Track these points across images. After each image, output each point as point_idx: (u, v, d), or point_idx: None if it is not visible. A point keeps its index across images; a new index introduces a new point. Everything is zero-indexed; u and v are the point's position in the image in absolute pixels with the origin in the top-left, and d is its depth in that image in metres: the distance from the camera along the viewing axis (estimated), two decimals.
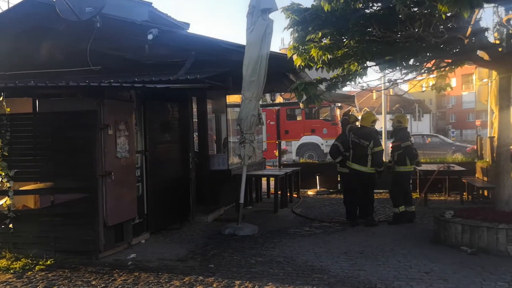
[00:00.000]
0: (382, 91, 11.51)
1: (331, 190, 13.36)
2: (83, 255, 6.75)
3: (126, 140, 7.26)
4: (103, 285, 5.72)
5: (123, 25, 8.66)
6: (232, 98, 12.54)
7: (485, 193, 11.14)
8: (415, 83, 9.21)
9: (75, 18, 8.39)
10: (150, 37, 8.42)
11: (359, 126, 9.39)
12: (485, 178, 11.19)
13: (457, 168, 11.90)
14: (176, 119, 9.08)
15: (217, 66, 8.56)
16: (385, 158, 11.45)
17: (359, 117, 9.69)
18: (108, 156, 6.87)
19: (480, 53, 8.06)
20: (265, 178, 12.44)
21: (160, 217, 8.39)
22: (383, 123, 16.99)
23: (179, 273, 6.08)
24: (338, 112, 24.77)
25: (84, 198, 6.83)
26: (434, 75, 9.20)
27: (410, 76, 8.82)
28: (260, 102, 10.48)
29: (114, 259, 6.81)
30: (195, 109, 10.02)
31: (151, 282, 5.77)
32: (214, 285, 5.62)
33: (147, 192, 8.07)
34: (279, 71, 9.10)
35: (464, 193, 11.37)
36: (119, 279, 5.90)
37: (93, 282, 5.82)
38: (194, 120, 9.85)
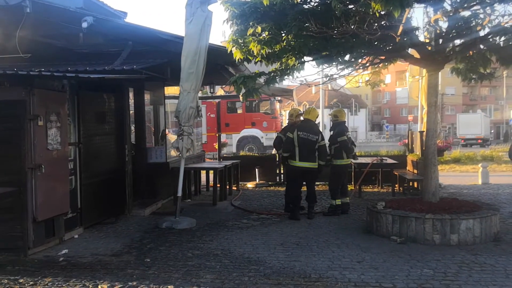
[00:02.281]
0: (320, 85, 11.70)
1: (270, 183, 13.58)
2: (10, 252, 6.41)
3: (58, 132, 6.97)
4: (31, 283, 5.46)
5: (55, 11, 8.24)
6: (171, 90, 12.38)
7: (415, 184, 11.65)
8: (350, 79, 9.41)
9: (1, 3, 7.93)
10: (84, 25, 8.12)
11: (302, 119, 9.33)
12: (415, 171, 11.71)
13: (390, 161, 12.40)
14: (112, 111, 8.81)
15: (155, 57, 8.38)
16: None
17: (301, 111, 9.80)
18: (38, 148, 6.56)
19: (411, 51, 8.43)
20: (205, 171, 12.38)
21: (94, 211, 8.16)
22: (321, 117, 17.42)
23: (114, 268, 5.93)
24: (278, 105, 25.21)
25: (12, 192, 6.47)
26: (369, 71, 9.45)
27: (346, 71, 9.08)
28: (199, 94, 10.41)
29: (45, 256, 6.54)
30: (132, 101, 9.78)
31: (83, 278, 5.58)
32: (150, 279, 5.53)
33: (81, 186, 7.80)
34: (218, 63, 9.17)
35: (396, 185, 11.87)
36: (50, 276, 5.67)
37: (21, 280, 5.55)
38: (131, 111, 9.64)
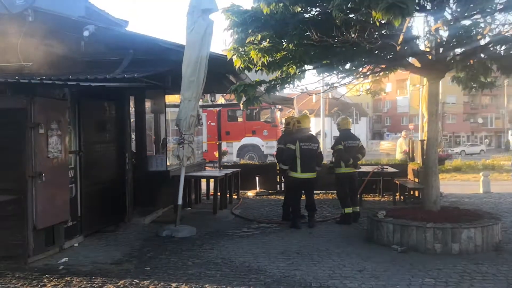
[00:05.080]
0: (321, 94, 11.72)
1: (270, 191, 13.55)
2: (10, 260, 6.40)
3: (59, 140, 6.97)
4: None
5: (57, 20, 8.27)
6: (172, 98, 12.34)
7: (416, 193, 11.59)
8: (351, 87, 9.44)
9: (4, 11, 7.97)
10: (86, 33, 8.17)
11: (297, 128, 9.32)
12: (416, 180, 11.64)
13: (391, 169, 12.36)
14: (112, 119, 8.84)
15: (156, 65, 8.35)
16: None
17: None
18: (38, 157, 6.57)
19: (411, 59, 8.46)
20: (205, 179, 12.34)
21: (94, 219, 8.15)
22: (322, 125, 17.40)
23: (114, 277, 5.92)
24: (278, 114, 25.30)
25: (12, 200, 6.49)
26: (370, 80, 9.49)
27: (347, 80, 9.06)
28: (200, 103, 10.40)
29: (45, 264, 6.52)
30: (133, 109, 9.80)
31: (83, 287, 5.57)
32: None
33: (81, 194, 7.80)
34: (219, 72, 9.18)
35: (397, 194, 11.78)
36: (49, 285, 5.66)
37: None
38: (132, 120, 9.68)
